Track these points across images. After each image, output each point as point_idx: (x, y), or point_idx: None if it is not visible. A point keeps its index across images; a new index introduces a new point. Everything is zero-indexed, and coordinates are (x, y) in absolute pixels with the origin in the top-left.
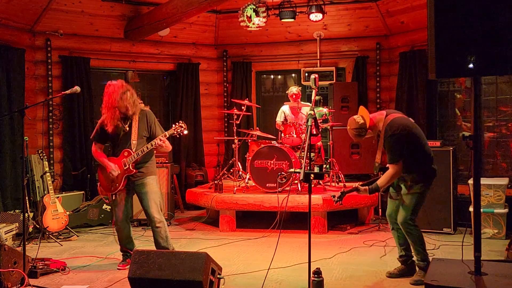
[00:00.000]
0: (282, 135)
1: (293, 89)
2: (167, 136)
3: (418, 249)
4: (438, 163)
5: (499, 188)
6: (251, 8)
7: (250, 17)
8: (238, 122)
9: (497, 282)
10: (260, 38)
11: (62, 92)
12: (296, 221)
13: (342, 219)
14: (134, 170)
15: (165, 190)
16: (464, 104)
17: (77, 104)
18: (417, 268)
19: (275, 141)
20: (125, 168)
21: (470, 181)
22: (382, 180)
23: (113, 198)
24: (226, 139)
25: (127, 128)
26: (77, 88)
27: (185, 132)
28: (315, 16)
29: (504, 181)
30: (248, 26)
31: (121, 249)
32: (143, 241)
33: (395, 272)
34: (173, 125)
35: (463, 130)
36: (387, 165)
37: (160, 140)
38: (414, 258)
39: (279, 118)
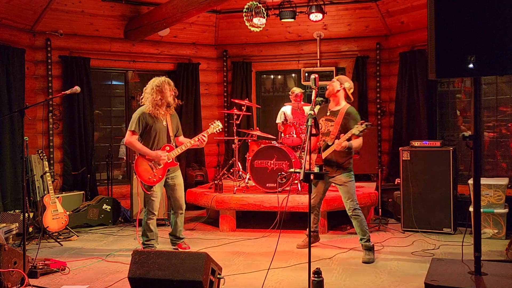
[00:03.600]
0: (282, 135)
1: (297, 90)
2: (209, 133)
3: (365, 229)
4: (438, 163)
5: (499, 188)
6: (253, 8)
7: (253, 18)
8: (238, 122)
9: (497, 282)
10: (260, 38)
11: (62, 92)
12: (296, 221)
13: (342, 219)
14: (177, 163)
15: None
16: (464, 104)
17: (77, 104)
18: (364, 250)
19: (275, 141)
20: (169, 161)
21: (470, 181)
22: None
23: (152, 189)
24: (226, 139)
25: (165, 124)
26: (77, 88)
27: (221, 130)
28: (315, 16)
29: (504, 181)
30: (255, 26)
31: (144, 241)
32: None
33: (303, 244)
34: (211, 125)
35: (463, 130)
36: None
37: (204, 136)
38: (361, 241)
39: (279, 119)
